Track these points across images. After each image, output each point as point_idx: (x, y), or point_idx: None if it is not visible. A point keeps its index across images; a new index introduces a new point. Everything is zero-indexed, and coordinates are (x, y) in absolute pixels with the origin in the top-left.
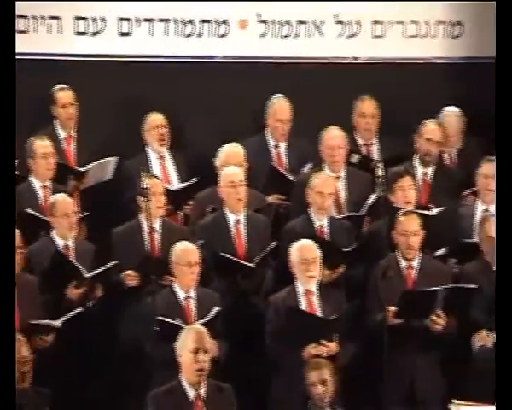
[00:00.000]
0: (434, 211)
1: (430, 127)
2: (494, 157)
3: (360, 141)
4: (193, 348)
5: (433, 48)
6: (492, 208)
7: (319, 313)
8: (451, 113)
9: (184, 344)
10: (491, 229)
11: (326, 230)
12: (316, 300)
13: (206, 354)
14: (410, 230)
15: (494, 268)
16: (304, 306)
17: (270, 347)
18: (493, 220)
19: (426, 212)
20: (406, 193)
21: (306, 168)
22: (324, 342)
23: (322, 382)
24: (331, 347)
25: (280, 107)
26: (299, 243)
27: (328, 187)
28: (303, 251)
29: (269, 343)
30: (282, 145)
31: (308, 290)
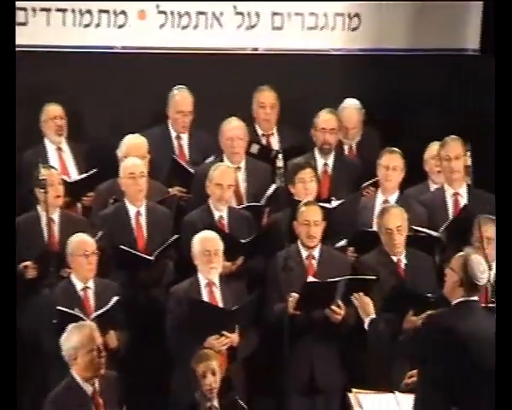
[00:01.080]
0: (334, 204)
1: (324, 117)
2: (395, 148)
3: (260, 132)
4: (85, 348)
5: (332, 40)
6: (392, 199)
7: (221, 305)
8: (351, 104)
9: (75, 345)
10: (391, 220)
11: (225, 221)
12: (217, 291)
13: (101, 352)
14: (311, 220)
15: (397, 258)
16: (206, 297)
17: (170, 338)
18: (393, 212)
19: (326, 205)
20: (307, 185)
21: (209, 160)
22: (226, 333)
23: (211, 372)
24: (232, 338)
25: (181, 98)
26: (201, 235)
27: (226, 179)
28: (205, 243)
29: (169, 335)
30: (184, 137)
31: (210, 282)
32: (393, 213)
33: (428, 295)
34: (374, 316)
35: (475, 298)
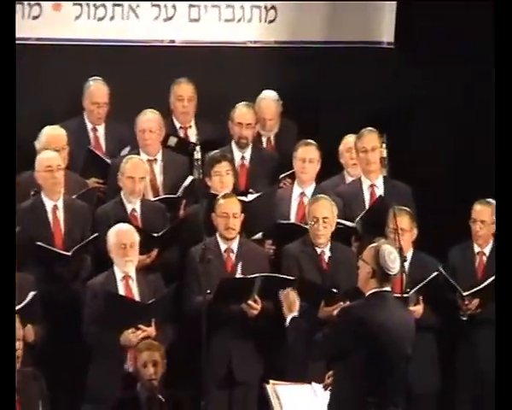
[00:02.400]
0: (250, 197)
1: (241, 111)
2: (311, 140)
3: (178, 124)
4: None
5: (249, 32)
6: (308, 191)
7: (137, 298)
8: (268, 96)
9: None
10: (318, 210)
11: (138, 214)
12: (134, 284)
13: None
14: (230, 212)
15: (320, 250)
16: (122, 290)
17: (87, 332)
18: (322, 203)
19: (243, 198)
20: (223, 178)
21: (124, 152)
22: (142, 326)
23: (152, 363)
24: (149, 331)
25: (96, 89)
26: (116, 228)
27: (138, 171)
28: (120, 235)
29: (86, 328)
30: (100, 128)
31: (126, 275)
32: (321, 204)
33: (334, 290)
34: (296, 314)
35: (388, 288)
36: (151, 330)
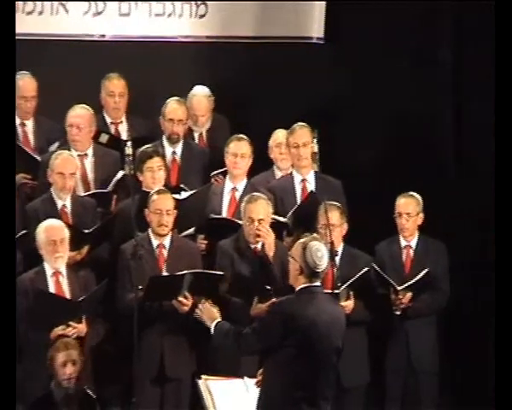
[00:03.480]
0: (184, 195)
1: (172, 107)
2: (242, 135)
3: (109, 120)
4: None
5: (180, 27)
6: (240, 186)
7: (67, 294)
8: (200, 92)
9: None
10: (254, 211)
11: (68, 209)
12: (64, 281)
13: None
14: (163, 208)
15: (254, 246)
16: (52, 287)
17: (17, 330)
18: (259, 203)
19: (176, 196)
20: (155, 174)
21: (53, 147)
22: (72, 323)
23: (71, 362)
24: (79, 328)
25: (24, 84)
26: (45, 224)
27: (68, 167)
28: (50, 232)
29: (16, 326)
30: (29, 124)
31: (56, 271)
32: (258, 205)
33: (268, 287)
34: (219, 319)
35: (317, 284)
36: (81, 327)
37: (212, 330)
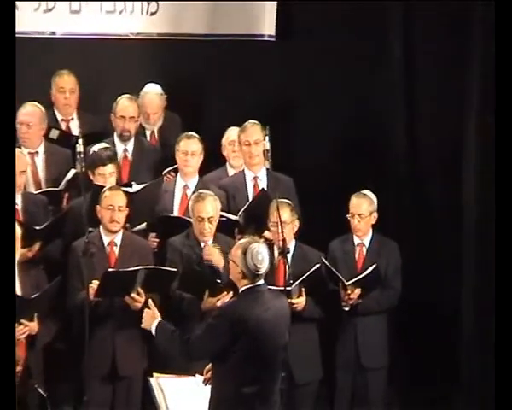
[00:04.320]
0: (136, 188)
1: (123, 104)
2: (193, 133)
3: (59, 117)
4: None
5: (131, 24)
6: (192, 184)
7: (19, 292)
8: (151, 90)
9: None
10: (203, 209)
11: (19, 207)
12: (15, 279)
13: None
14: (115, 205)
15: (204, 243)
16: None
17: None
18: (207, 201)
19: (127, 189)
20: (107, 180)
21: None
22: (24, 321)
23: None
24: (31, 326)
25: None
26: None
27: (19, 165)
28: None
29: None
30: None
31: None
32: (206, 202)
33: (218, 281)
34: (159, 319)
35: (260, 282)
36: (33, 325)
37: (153, 332)
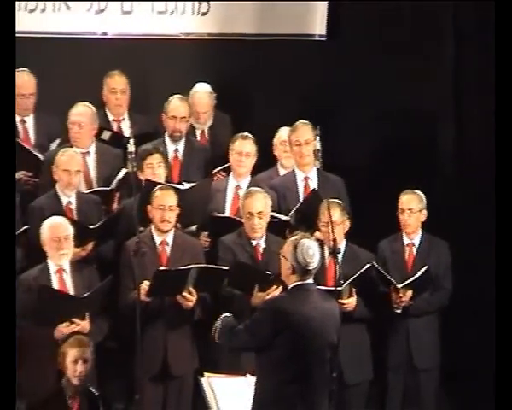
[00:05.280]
0: (186, 185)
1: (174, 104)
2: (248, 133)
3: (111, 117)
4: None
5: (182, 24)
6: (244, 184)
7: (71, 291)
8: (201, 89)
9: None
10: (252, 205)
11: (73, 206)
12: (68, 277)
13: None
14: (166, 204)
15: (256, 242)
16: (56, 284)
17: (18, 326)
18: (256, 197)
19: (179, 186)
20: (155, 170)
21: (54, 144)
22: (76, 320)
23: (83, 360)
24: (83, 325)
25: (22, 81)
26: (49, 221)
27: (74, 164)
28: (54, 229)
29: (18, 323)
30: (29, 120)
31: (60, 268)
32: (255, 198)
33: (268, 272)
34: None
35: (310, 281)
36: (85, 324)
37: (219, 324)
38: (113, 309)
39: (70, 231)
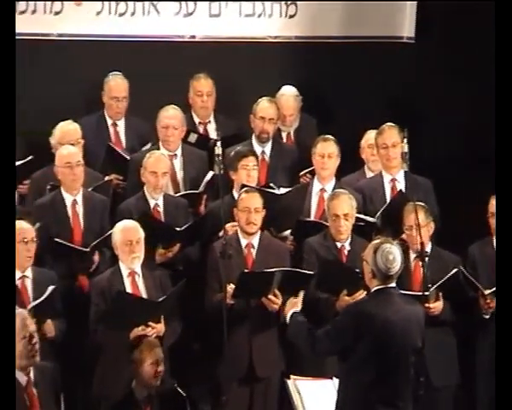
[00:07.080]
0: (282, 190)
1: (263, 105)
2: (329, 135)
3: (197, 120)
4: (17, 336)
5: (269, 27)
6: (329, 187)
7: (143, 294)
8: (288, 92)
9: None
10: (338, 207)
11: (161, 209)
12: (140, 280)
13: (33, 339)
14: (251, 207)
15: (341, 244)
16: (128, 287)
17: (94, 330)
18: (342, 199)
19: (274, 191)
20: (250, 172)
21: (145, 148)
22: (152, 323)
23: (158, 362)
24: (158, 328)
25: (115, 84)
26: (121, 224)
27: (161, 166)
28: (126, 232)
29: (93, 326)
30: (120, 124)
31: (132, 271)
32: (341, 200)
33: (357, 270)
34: (297, 309)
35: (392, 285)
36: (160, 327)
37: (288, 319)
38: (186, 312)
39: (142, 234)
